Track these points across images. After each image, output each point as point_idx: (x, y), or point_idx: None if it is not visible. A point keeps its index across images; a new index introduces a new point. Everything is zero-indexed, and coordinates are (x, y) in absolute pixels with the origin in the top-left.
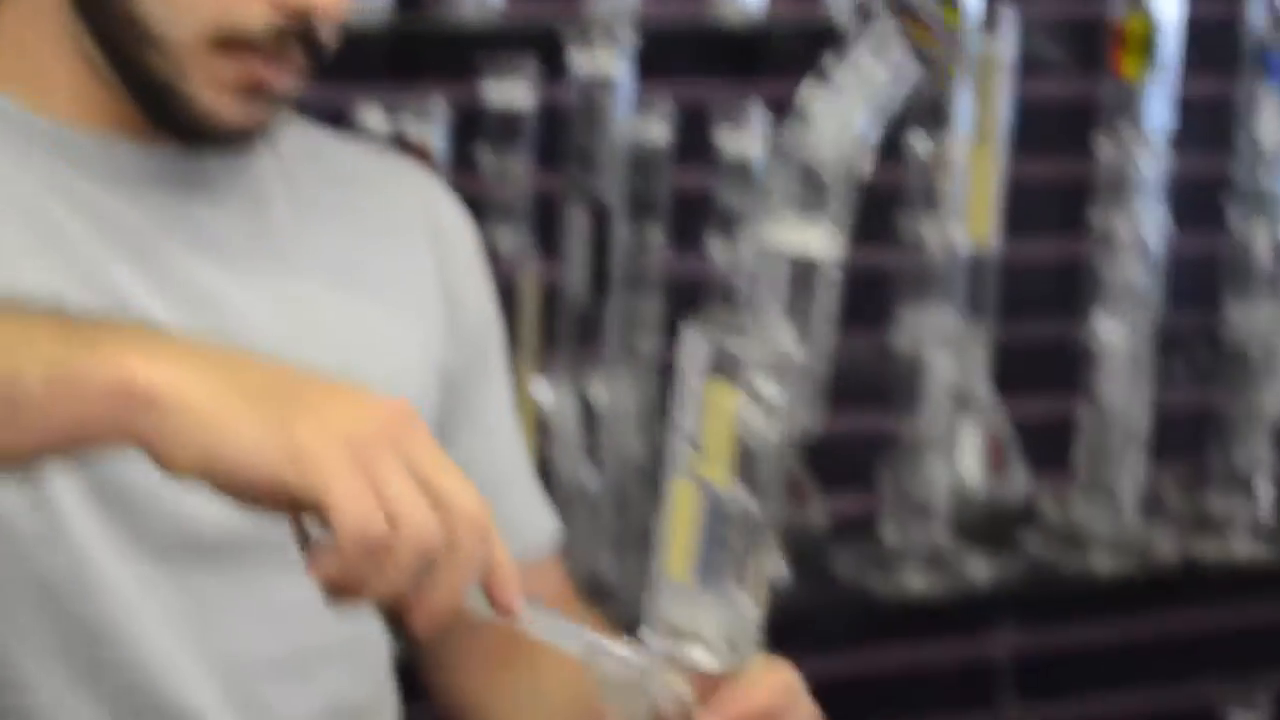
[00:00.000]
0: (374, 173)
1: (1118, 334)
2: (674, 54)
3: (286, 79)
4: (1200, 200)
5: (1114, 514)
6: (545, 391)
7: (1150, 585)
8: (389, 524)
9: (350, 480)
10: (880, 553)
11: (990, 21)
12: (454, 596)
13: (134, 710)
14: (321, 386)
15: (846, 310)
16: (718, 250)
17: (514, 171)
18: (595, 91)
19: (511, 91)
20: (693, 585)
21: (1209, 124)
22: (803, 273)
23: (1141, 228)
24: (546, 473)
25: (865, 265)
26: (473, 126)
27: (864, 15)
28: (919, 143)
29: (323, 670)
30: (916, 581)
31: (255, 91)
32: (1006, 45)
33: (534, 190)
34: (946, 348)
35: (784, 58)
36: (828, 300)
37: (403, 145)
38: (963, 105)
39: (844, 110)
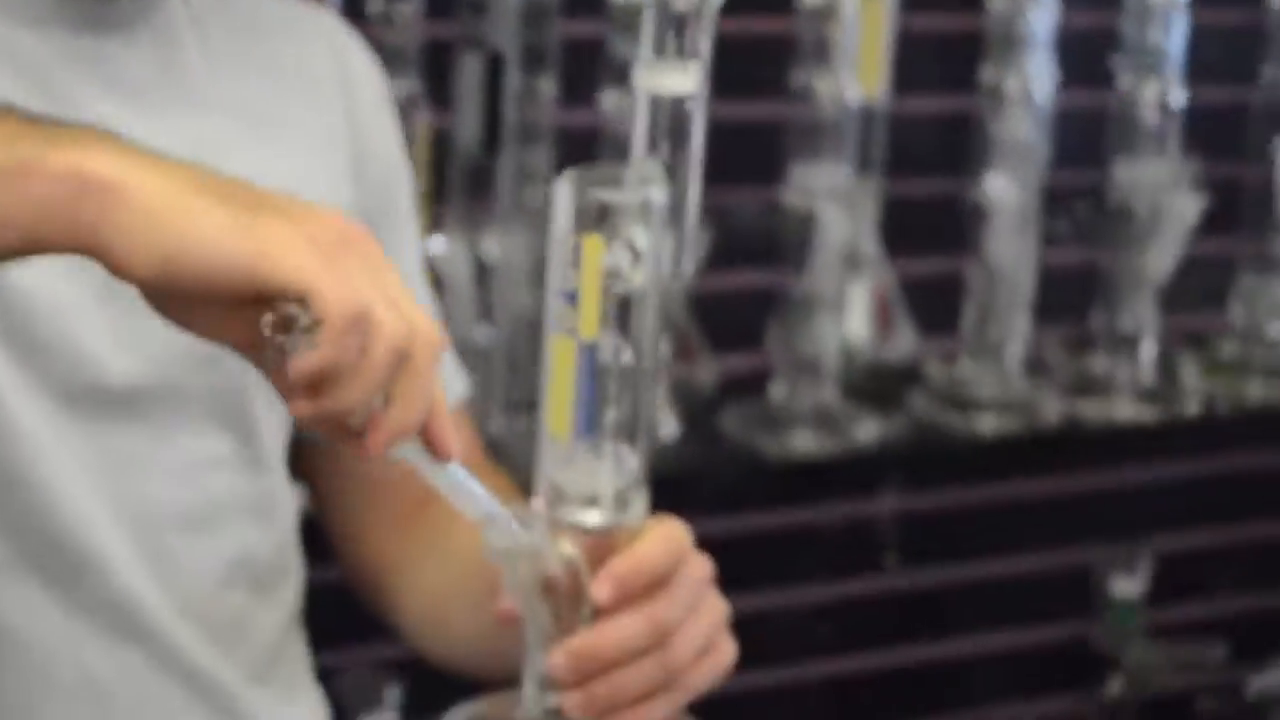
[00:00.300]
0: (283, 20)
1: (1008, 192)
2: None
3: None
4: (1088, 55)
5: (999, 375)
6: (438, 244)
7: (1034, 446)
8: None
9: (326, 270)
10: (769, 411)
11: None
12: (415, 411)
13: (41, 555)
14: (281, 197)
15: (736, 166)
16: (609, 101)
17: (404, 18)
18: None
19: None
20: (574, 443)
21: None
22: (669, 115)
23: (1031, 83)
24: None
25: (755, 119)
26: None
27: None
28: None
29: (230, 524)
30: (805, 441)
31: None
32: None
33: (425, 38)
34: (837, 204)
35: None
36: (698, 143)
37: None
38: None
39: None
